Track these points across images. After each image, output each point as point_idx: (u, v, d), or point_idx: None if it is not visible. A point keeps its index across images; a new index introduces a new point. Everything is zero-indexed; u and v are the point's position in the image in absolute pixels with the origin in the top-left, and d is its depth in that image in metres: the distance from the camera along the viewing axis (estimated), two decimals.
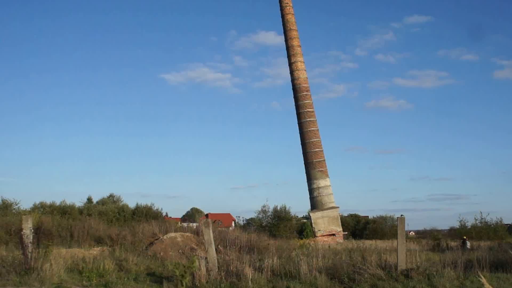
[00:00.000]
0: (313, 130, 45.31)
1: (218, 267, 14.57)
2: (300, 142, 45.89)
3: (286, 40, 48.34)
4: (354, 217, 61.42)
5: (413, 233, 73.90)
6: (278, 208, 47.32)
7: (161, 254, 20.14)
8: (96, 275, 14.90)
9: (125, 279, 14.79)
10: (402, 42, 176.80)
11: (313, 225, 41.27)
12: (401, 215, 15.38)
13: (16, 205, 36.11)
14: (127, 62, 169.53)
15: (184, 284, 13.75)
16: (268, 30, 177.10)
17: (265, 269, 14.86)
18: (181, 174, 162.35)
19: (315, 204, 43.95)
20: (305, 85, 46.49)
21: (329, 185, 44.67)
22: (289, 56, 47.55)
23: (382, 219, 58.97)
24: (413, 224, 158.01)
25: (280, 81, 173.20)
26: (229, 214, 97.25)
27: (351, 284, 13.68)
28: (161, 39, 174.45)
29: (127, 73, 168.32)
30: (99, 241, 23.90)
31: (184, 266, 13.09)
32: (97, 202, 45.79)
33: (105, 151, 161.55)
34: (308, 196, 46.00)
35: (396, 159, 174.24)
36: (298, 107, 46.07)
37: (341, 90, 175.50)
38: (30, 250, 14.76)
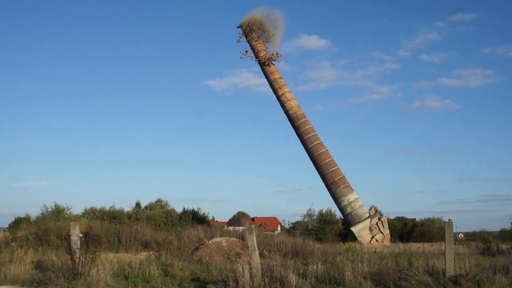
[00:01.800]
0: (323, 151, 44.11)
1: (261, 273, 14.36)
2: (314, 168, 44.76)
3: (267, 76, 46.70)
4: (401, 220, 60.09)
5: (462, 235, 71.83)
6: (324, 211, 46.84)
7: (206, 259, 20.10)
8: (141, 281, 14.97)
9: (170, 284, 14.79)
10: (446, 41, 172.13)
11: (358, 238, 40.32)
12: (449, 219, 14.77)
13: (68, 210, 36.97)
14: (172, 70, 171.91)
15: None
16: (311, 34, 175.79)
17: (309, 275, 14.57)
18: (228, 178, 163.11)
19: (351, 220, 42.88)
20: (300, 112, 45.08)
21: (357, 197, 43.77)
22: (275, 91, 45.83)
23: (430, 221, 57.36)
24: (462, 226, 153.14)
25: (323, 84, 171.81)
26: (275, 217, 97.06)
27: None
28: (204, 46, 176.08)
29: (172, 81, 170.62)
30: (146, 245, 24.13)
31: None
32: (145, 207, 46.38)
33: (153, 156, 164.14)
34: (341, 216, 44.93)
35: (442, 160, 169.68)
36: (300, 135, 44.67)
37: (385, 91, 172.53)
38: (77, 256, 14.99)
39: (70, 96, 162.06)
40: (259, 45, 46.77)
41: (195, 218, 43.09)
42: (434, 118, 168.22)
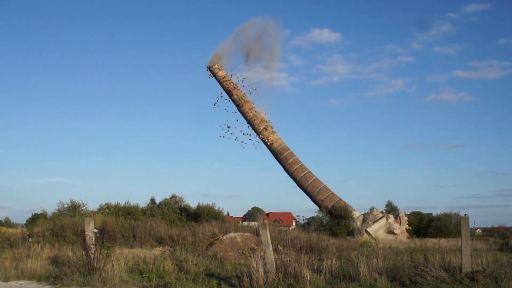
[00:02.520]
0: (313, 179, 43.77)
1: (276, 268, 14.36)
2: (310, 199, 44.52)
3: (244, 114, 44.36)
4: (417, 215, 59.65)
5: (480, 231, 71.08)
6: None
7: (221, 254, 20.16)
8: (156, 276, 15.06)
9: (184, 280, 14.83)
10: (460, 33, 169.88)
11: (376, 239, 40.22)
12: (465, 214, 14.62)
13: (84, 206, 37.23)
14: (186, 66, 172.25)
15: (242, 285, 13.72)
16: (322, 27, 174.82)
17: (324, 271, 14.51)
18: (242, 173, 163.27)
19: (366, 226, 42.99)
20: (283, 144, 44.35)
21: (360, 213, 43.79)
22: (254, 128, 44.16)
23: (447, 216, 56.83)
24: (479, 221, 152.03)
25: (336, 78, 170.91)
26: (289, 213, 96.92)
27: (412, 286, 13.11)
28: (217, 41, 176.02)
29: (186, 77, 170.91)
30: (160, 241, 24.22)
31: None
32: (160, 203, 46.56)
33: (167, 152, 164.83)
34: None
35: (459, 154, 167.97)
36: (289, 166, 43.54)
37: (398, 85, 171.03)
38: (92, 251, 15.13)
39: (84, 93, 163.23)
40: (241, 99, 44.21)
41: (210, 213, 43.20)
42: (450, 111, 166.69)
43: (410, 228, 46.38)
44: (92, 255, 15.04)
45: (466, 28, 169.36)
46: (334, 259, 15.64)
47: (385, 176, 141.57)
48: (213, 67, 44.80)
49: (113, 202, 40.43)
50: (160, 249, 22.26)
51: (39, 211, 40.76)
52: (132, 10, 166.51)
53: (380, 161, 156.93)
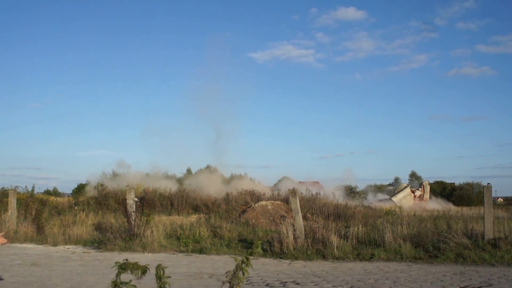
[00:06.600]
0: None
1: (305, 234, 14.38)
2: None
3: None
4: (440, 184, 58.97)
5: (501, 200, 69.82)
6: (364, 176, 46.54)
7: (253, 221, 20.26)
8: (192, 241, 15.26)
9: (219, 245, 15.01)
10: (483, 8, 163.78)
11: (400, 207, 40.15)
12: (488, 183, 14.31)
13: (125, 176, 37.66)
14: (220, 43, 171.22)
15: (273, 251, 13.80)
16: (348, 5, 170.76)
17: (350, 237, 14.47)
18: (272, 145, 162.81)
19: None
20: None
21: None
22: None
23: (469, 186, 56.09)
24: (501, 190, 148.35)
25: (361, 54, 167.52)
26: (318, 182, 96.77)
27: (435, 252, 12.96)
28: (247, 19, 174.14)
29: (219, 54, 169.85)
30: (196, 209, 24.45)
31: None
32: (195, 173, 46.90)
33: (202, 125, 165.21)
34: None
35: (480, 125, 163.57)
36: None
37: (422, 60, 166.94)
38: (133, 218, 15.37)
39: (125, 69, 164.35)
40: None
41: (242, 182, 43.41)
42: (472, 85, 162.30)
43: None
44: (133, 222, 15.29)
45: (489, 2, 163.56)
46: (360, 226, 15.57)
47: (409, 148, 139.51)
48: None
49: (151, 172, 40.83)
50: (196, 216, 22.50)
51: (84, 181, 41.56)
52: None
53: (404, 133, 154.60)
